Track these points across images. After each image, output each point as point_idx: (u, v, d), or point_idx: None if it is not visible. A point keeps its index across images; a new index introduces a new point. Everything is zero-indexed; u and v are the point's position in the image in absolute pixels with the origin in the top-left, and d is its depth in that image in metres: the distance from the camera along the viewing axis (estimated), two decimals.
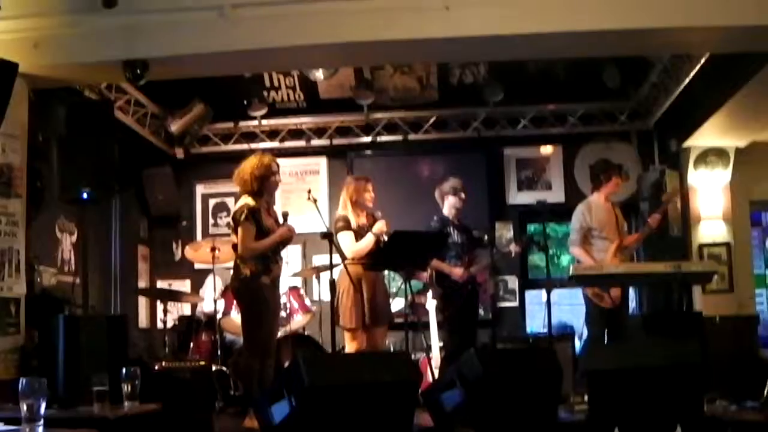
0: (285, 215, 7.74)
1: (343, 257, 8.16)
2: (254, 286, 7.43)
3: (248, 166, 7.69)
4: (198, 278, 11.88)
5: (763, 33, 7.58)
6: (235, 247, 7.60)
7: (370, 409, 4.76)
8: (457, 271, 9.14)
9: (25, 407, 3.93)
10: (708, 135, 10.64)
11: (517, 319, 11.97)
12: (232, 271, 7.86)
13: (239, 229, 7.46)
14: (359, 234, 8.37)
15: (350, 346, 8.37)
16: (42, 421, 3.96)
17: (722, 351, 8.65)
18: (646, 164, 11.92)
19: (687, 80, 9.92)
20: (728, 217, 11.34)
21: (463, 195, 9.38)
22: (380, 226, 8.34)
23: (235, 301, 8.84)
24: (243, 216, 7.43)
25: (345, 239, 8.35)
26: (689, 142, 11.07)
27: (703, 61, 9.34)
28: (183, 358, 9.21)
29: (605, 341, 8.75)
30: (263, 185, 7.64)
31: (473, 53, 9.32)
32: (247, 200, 7.57)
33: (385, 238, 8.24)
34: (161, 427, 6.27)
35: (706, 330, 9.00)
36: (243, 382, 8.18)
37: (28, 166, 8.18)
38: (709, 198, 11.31)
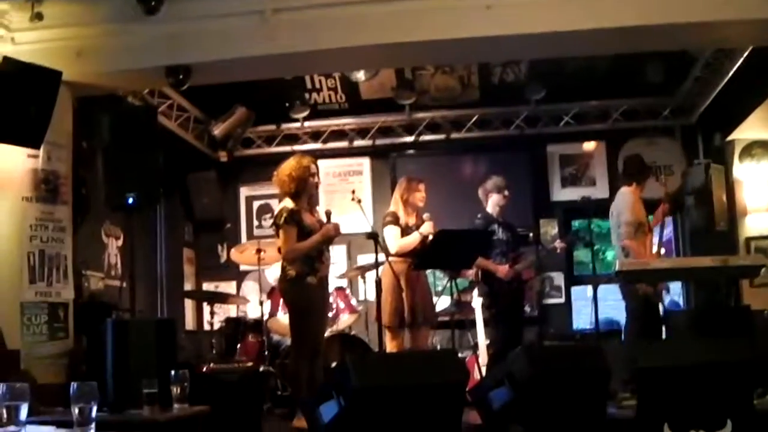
0: (328, 214, 7.74)
1: (388, 254, 8.15)
2: (300, 287, 7.44)
3: (286, 168, 7.70)
4: (243, 280, 11.98)
5: None
6: (280, 250, 7.63)
7: (418, 409, 4.76)
8: (503, 269, 9.10)
9: (76, 411, 3.96)
10: (753, 127, 10.56)
11: (564, 316, 11.92)
12: (279, 273, 7.88)
13: (281, 232, 7.48)
14: (406, 232, 8.38)
15: (390, 345, 8.37)
16: (93, 424, 3.99)
17: None
18: (690, 159, 11.82)
19: (730, 74, 9.85)
20: None
21: (507, 193, 9.35)
22: (428, 227, 8.34)
23: (282, 302, 8.91)
24: (283, 219, 7.45)
25: (390, 233, 8.36)
26: (734, 136, 10.98)
27: (746, 54, 9.26)
28: (230, 360, 9.25)
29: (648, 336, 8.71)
30: (302, 186, 7.64)
31: (515, 52, 9.31)
32: (286, 203, 7.59)
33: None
34: (210, 429, 6.31)
35: (754, 324, 8.92)
36: (291, 383, 8.19)
37: (73, 174, 8.27)
38: (756, 191, 11.20)
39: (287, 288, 7.59)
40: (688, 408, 5.60)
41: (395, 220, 8.44)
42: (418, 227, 8.42)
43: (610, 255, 11.52)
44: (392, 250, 8.31)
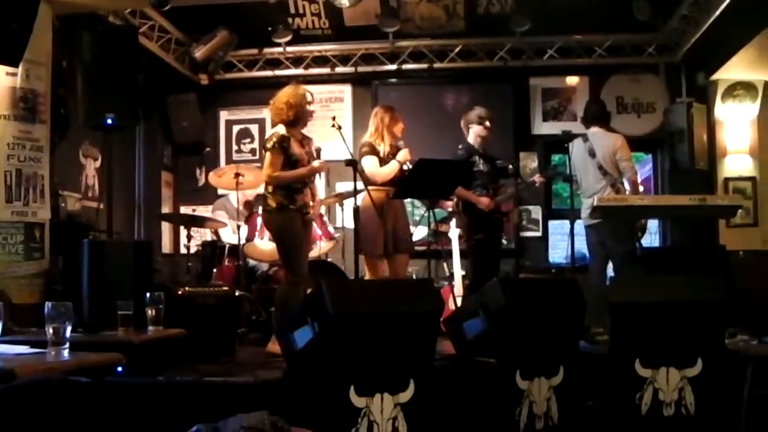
0: (318, 151, 7.75)
1: (367, 183, 8.13)
2: (282, 219, 7.45)
3: (283, 95, 7.68)
4: (212, 208, 11.99)
5: None
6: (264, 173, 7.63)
7: (392, 336, 4.79)
8: (485, 201, 9.07)
9: (51, 331, 3.97)
10: (736, 68, 10.56)
11: (541, 250, 11.98)
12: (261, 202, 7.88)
13: (267, 155, 7.46)
14: (383, 161, 8.34)
15: (371, 274, 8.37)
16: (68, 344, 4.00)
17: (745, 285, 8.63)
18: (673, 97, 11.82)
19: (717, 13, 9.79)
20: (755, 152, 11.30)
21: (488, 124, 9.29)
22: (404, 154, 8.31)
23: (259, 228, 8.93)
24: (272, 143, 7.42)
25: (369, 163, 8.32)
26: (717, 76, 10.99)
27: None
28: (206, 284, 9.25)
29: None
30: (299, 115, 7.62)
31: None
32: (279, 128, 7.57)
33: (409, 167, 8.21)
34: (185, 351, 6.33)
35: (729, 264, 8.98)
36: (278, 307, 8.14)
37: (52, 93, 8.20)
38: (736, 132, 11.26)
39: (270, 218, 7.59)
40: (660, 345, 5.65)
41: (372, 150, 8.39)
42: (393, 155, 8.38)
43: None
44: (372, 179, 8.27)
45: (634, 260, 8.78)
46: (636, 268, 8.72)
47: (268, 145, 7.44)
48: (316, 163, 7.62)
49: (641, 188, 9.13)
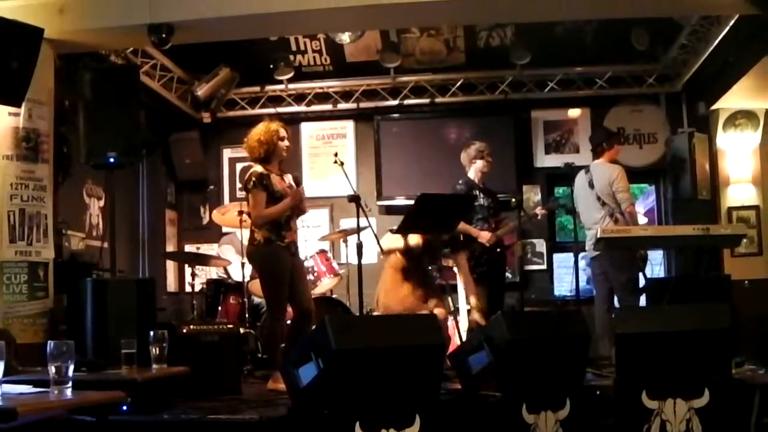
0: (296, 179, 7.75)
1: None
2: (268, 251, 7.39)
3: (255, 134, 7.65)
4: (219, 243, 11.97)
5: None
6: (249, 214, 7.62)
7: (397, 371, 4.77)
8: (485, 235, 9.06)
9: (53, 369, 3.95)
10: (737, 97, 10.56)
11: (545, 283, 11.94)
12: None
13: (250, 197, 7.44)
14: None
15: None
16: (70, 383, 3.98)
17: (751, 315, 8.61)
18: (674, 127, 11.84)
19: (716, 42, 9.84)
20: (757, 180, 11.28)
21: (489, 158, 9.31)
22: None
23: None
24: (252, 183, 7.39)
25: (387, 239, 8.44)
26: (718, 105, 11.00)
27: (732, 22, 9.25)
28: (211, 322, 9.24)
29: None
30: (271, 150, 7.59)
31: (501, 14, 9.26)
32: (256, 167, 7.55)
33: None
34: (190, 389, 6.31)
35: (734, 293, 8.95)
36: (266, 346, 8.16)
37: (54, 132, 8.23)
38: (739, 161, 11.25)
39: (254, 252, 7.55)
40: (667, 375, 5.62)
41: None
42: None
43: None
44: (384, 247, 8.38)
45: (635, 289, 8.78)
46: (639, 297, 8.74)
47: (249, 186, 7.41)
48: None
49: (645, 219, 9.12)
